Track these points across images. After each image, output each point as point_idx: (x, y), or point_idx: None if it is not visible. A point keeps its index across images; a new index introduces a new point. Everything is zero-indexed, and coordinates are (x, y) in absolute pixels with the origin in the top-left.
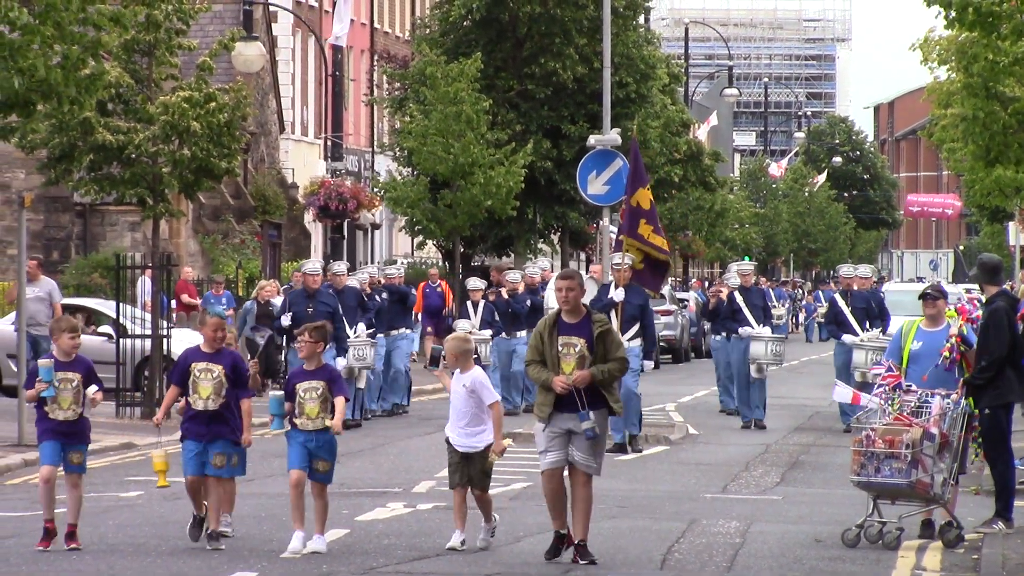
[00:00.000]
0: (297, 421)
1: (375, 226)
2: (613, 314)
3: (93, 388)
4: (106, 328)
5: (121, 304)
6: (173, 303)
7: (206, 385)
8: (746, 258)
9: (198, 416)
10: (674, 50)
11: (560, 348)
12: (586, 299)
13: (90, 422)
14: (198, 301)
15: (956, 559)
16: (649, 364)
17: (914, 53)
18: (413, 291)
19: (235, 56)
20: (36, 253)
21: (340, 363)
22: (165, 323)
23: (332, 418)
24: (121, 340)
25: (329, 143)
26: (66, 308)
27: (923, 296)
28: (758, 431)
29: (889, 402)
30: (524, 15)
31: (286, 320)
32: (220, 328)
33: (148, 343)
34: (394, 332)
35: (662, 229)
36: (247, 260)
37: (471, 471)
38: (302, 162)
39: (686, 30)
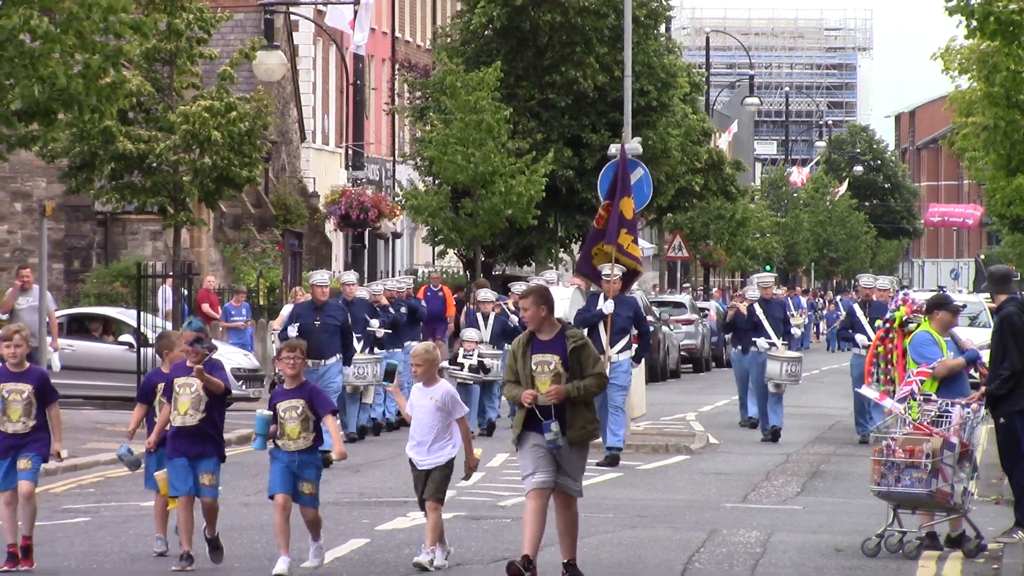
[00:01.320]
0: (279, 442)
1: (396, 235)
2: (602, 326)
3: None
4: (127, 337)
5: (142, 313)
6: (194, 312)
7: (184, 400)
8: (767, 268)
9: (180, 433)
10: (695, 59)
11: (534, 367)
12: (573, 309)
13: (48, 438)
14: (219, 314)
15: (976, 569)
16: (636, 367)
17: (935, 62)
18: (423, 305)
19: (256, 65)
20: (57, 262)
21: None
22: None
23: (315, 436)
24: (142, 349)
25: (350, 152)
26: (87, 317)
27: (955, 308)
28: (777, 441)
29: (908, 410)
30: (545, 24)
31: (292, 331)
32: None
33: None
34: (408, 344)
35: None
36: (268, 269)
37: (428, 483)
38: (323, 171)
39: (707, 39)
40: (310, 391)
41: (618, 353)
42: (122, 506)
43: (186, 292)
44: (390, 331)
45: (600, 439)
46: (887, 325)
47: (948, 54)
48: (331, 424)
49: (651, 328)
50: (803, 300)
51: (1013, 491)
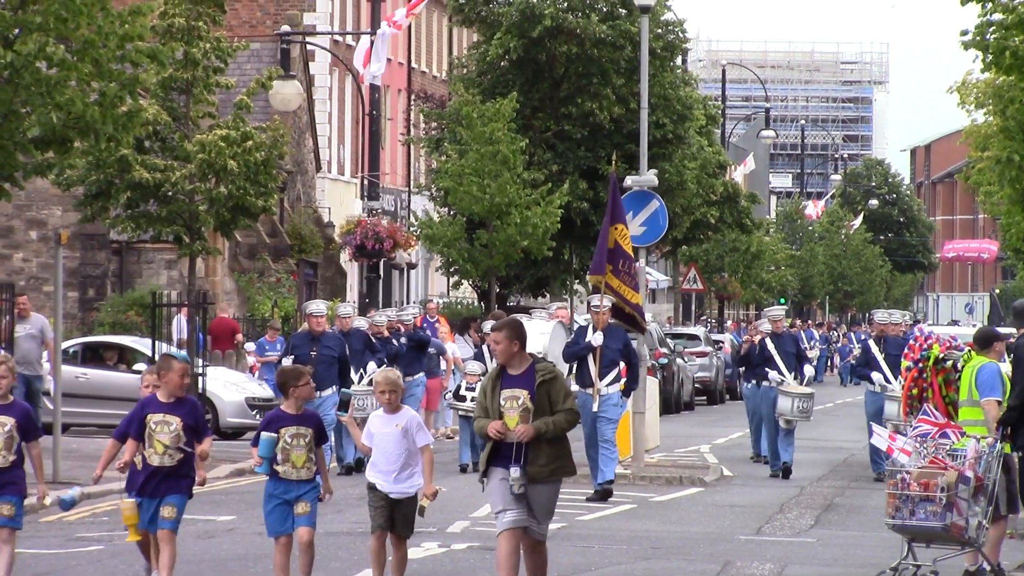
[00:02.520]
0: (279, 469)
1: (411, 266)
2: (591, 358)
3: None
4: (141, 366)
5: (157, 342)
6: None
7: (162, 439)
8: (781, 300)
9: (155, 473)
10: (711, 91)
11: (503, 402)
12: (554, 344)
13: (23, 474)
14: (236, 342)
15: None
16: (627, 401)
17: (951, 96)
18: (433, 337)
19: (272, 94)
20: (72, 290)
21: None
22: (200, 361)
23: (316, 469)
24: None
25: (365, 182)
26: (101, 346)
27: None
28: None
29: (922, 450)
30: (561, 55)
31: (288, 363)
32: (186, 374)
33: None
34: (409, 378)
35: (631, 272)
36: (283, 299)
37: (396, 516)
38: (338, 201)
39: (723, 72)
40: (318, 420)
41: (608, 386)
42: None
43: (201, 321)
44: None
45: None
46: (920, 365)
47: (964, 88)
48: (321, 457)
49: (666, 360)
50: (816, 333)
51: None
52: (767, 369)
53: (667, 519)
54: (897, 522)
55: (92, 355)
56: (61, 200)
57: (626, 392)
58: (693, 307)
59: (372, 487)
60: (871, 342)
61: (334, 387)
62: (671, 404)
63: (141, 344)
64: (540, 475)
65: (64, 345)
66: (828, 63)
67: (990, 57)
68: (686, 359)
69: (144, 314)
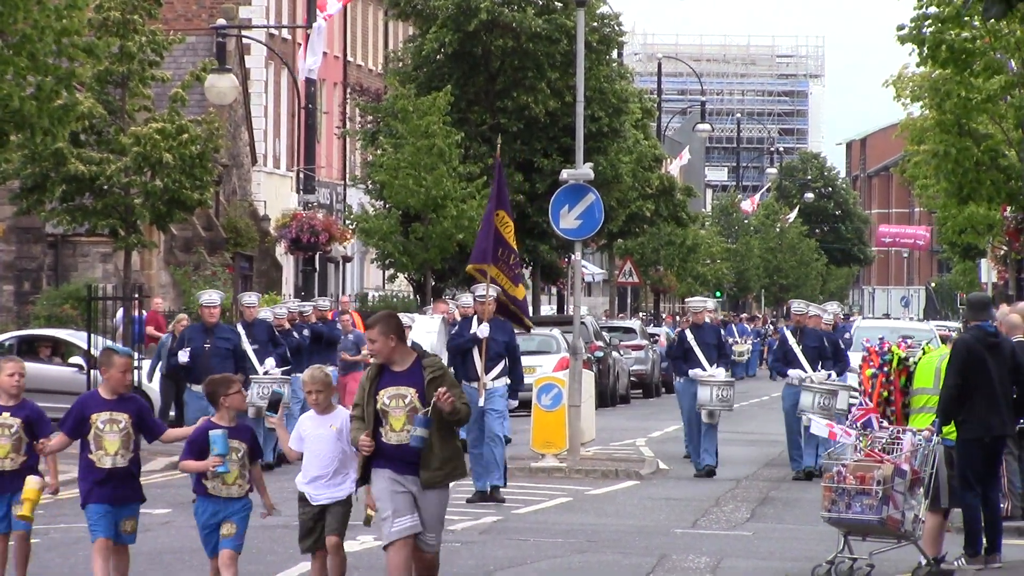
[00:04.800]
0: (208, 484)
1: (347, 259)
2: (477, 351)
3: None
4: (77, 359)
5: (92, 335)
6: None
7: (112, 439)
8: (717, 294)
9: (110, 477)
10: (647, 85)
11: (388, 401)
12: (441, 342)
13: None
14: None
15: None
16: (513, 403)
17: (887, 89)
18: (337, 329)
19: (208, 88)
20: (7, 284)
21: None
22: (136, 354)
23: (249, 486)
24: (92, 371)
25: (301, 175)
26: (36, 339)
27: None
28: (727, 466)
29: (860, 439)
30: (497, 49)
31: (183, 356)
32: (130, 370)
33: None
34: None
35: (509, 262)
36: None
37: (328, 517)
38: (274, 194)
39: (659, 65)
40: (251, 434)
41: (493, 380)
42: (71, 528)
43: (136, 314)
44: (286, 367)
45: (518, 466)
46: (885, 369)
47: (900, 82)
48: (260, 476)
49: (602, 354)
50: (749, 327)
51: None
52: (687, 365)
53: (603, 512)
54: (833, 515)
55: (27, 348)
56: None
57: (513, 393)
58: (629, 300)
59: (303, 498)
60: (787, 333)
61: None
62: (607, 397)
63: (76, 337)
64: (434, 480)
65: None
66: (764, 56)
67: (926, 51)
68: (622, 352)
69: (80, 307)
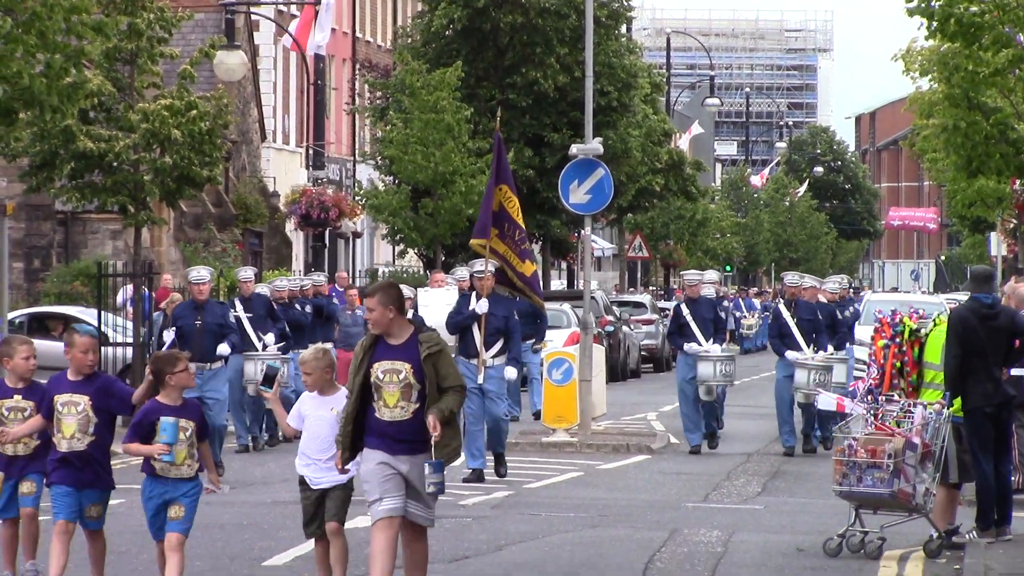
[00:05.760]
0: (157, 465)
1: (356, 235)
2: (476, 328)
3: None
4: None
5: (102, 312)
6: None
7: (69, 422)
8: (727, 268)
9: (68, 459)
10: (656, 60)
11: (381, 375)
12: (446, 308)
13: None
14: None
15: (938, 569)
16: (512, 374)
17: (896, 63)
18: (334, 303)
19: (217, 64)
20: (17, 261)
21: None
22: (144, 331)
23: (199, 465)
24: (103, 348)
25: (311, 152)
26: (47, 316)
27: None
28: (738, 441)
29: (870, 410)
30: (506, 25)
31: (167, 336)
32: (91, 350)
33: (130, 351)
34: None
35: (516, 238)
36: (228, 269)
37: (327, 502)
38: (283, 171)
39: (668, 40)
40: (199, 411)
41: (493, 357)
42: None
43: (147, 291)
44: (283, 343)
45: (527, 441)
46: (897, 340)
47: (909, 55)
48: (208, 455)
49: (612, 328)
50: (756, 302)
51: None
52: (683, 339)
53: (614, 487)
54: (844, 489)
55: (38, 326)
56: (6, 171)
57: (513, 362)
58: (639, 275)
59: (303, 482)
60: (782, 307)
61: (223, 360)
62: (617, 372)
63: (87, 315)
64: (448, 459)
65: (10, 316)
66: (773, 31)
67: (935, 24)
68: (632, 327)
69: (90, 284)
